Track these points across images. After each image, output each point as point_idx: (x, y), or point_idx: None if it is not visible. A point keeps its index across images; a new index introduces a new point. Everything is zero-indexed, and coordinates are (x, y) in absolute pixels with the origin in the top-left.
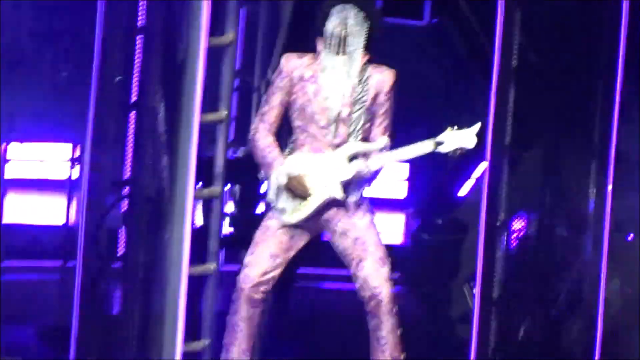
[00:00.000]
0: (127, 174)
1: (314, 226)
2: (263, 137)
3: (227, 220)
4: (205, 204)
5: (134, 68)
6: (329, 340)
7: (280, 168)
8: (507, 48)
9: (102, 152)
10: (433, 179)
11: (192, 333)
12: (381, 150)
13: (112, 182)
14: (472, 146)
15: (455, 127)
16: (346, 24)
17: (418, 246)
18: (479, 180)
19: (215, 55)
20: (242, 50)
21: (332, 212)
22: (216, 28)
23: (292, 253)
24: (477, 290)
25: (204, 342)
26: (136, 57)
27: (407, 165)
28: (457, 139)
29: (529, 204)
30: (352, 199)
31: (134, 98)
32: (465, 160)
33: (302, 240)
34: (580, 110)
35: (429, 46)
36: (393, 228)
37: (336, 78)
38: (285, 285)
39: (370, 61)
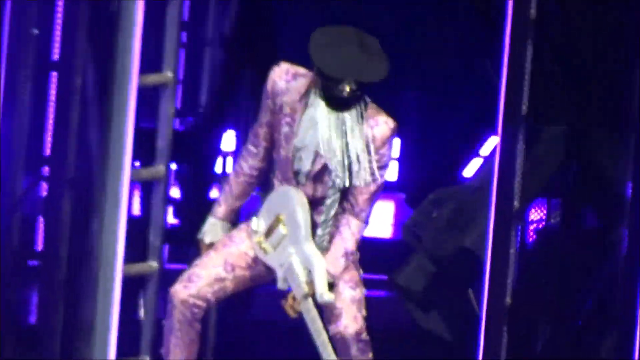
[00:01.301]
0: (47, 149)
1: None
2: (244, 158)
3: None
4: (145, 188)
5: (54, 18)
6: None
7: (210, 219)
8: None
9: (15, 122)
10: (430, 157)
11: (127, 347)
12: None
13: (27, 159)
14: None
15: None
16: (358, 78)
17: (412, 241)
18: (488, 159)
19: (156, 3)
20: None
21: None
22: None
23: (251, 276)
24: (484, 296)
25: (143, 359)
26: (58, 4)
27: (398, 140)
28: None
29: (549, 189)
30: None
31: (55, 56)
32: (471, 134)
33: (267, 272)
34: (614, 74)
35: None
36: (380, 218)
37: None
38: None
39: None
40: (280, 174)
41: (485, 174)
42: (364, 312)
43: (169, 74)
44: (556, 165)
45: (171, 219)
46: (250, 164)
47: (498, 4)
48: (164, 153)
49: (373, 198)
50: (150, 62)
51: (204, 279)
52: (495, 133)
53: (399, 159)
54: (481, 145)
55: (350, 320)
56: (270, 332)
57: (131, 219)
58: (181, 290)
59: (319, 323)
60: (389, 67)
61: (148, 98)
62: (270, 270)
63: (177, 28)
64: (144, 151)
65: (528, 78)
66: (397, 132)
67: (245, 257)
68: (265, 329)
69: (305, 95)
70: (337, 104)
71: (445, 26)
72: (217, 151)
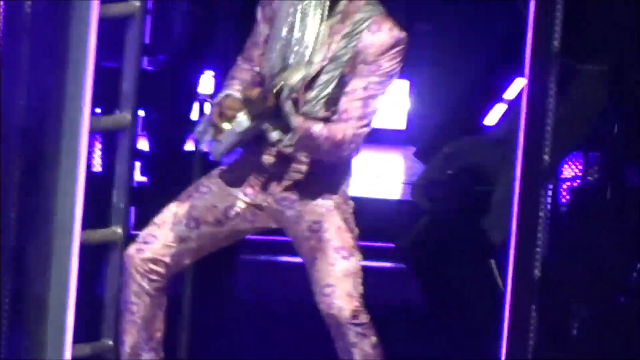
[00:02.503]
0: None
1: (263, 210)
2: (237, 71)
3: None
4: (107, 140)
5: None
6: (288, 336)
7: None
8: None
9: None
10: (444, 102)
11: (88, 329)
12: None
13: None
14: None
15: None
16: None
17: (422, 202)
18: (513, 104)
19: None
20: None
21: (285, 190)
22: None
23: (224, 234)
24: (509, 268)
25: (104, 343)
26: None
27: (407, 82)
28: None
29: (586, 141)
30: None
31: None
32: (493, 74)
33: (242, 224)
34: None
35: None
36: (386, 174)
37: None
38: (227, 257)
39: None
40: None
41: (510, 123)
42: (360, 289)
43: (135, 3)
44: (594, 112)
45: (139, 176)
46: (238, 74)
47: None
48: (129, 97)
49: (364, 104)
50: None
51: (161, 238)
52: (522, 74)
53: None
54: (505, 88)
55: (345, 300)
56: (256, 313)
57: (91, 176)
58: (134, 255)
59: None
60: None
61: (111, 32)
62: (246, 223)
63: None
64: (107, 95)
65: (561, 8)
66: (404, 42)
67: (213, 211)
68: (250, 310)
69: None
70: None
71: None
72: (193, 95)
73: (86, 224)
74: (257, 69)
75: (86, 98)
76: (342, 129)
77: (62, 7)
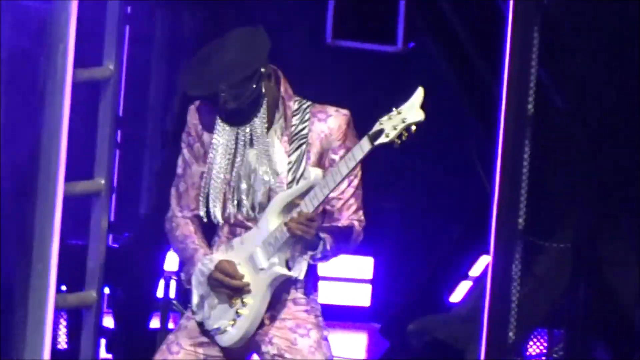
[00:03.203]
0: None
1: (241, 345)
2: (180, 226)
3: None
4: (72, 317)
5: None
6: None
7: (204, 258)
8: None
9: None
10: (407, 279)
11: None
12: (314, 184)
13: None
14: (420, 119)
15: (394, 109)
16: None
17: None
18: (479, 281)
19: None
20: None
21: (264, 317)
22: None
23: None
24: None
25: None
26: None
27: (371, 260)
28: (396, 120)
29: (551, 318)
30: (295, 273)
31: None
32: (459, 251)
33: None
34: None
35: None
36: (352, 350)
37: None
38: None
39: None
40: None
41: (476, 300)
42: None
43: (101, 181)
44: (559, 289)
45: (104, 354)
46: (187, 229)
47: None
48: (95, 275)
49: (355, 196)
50: (80, 167)
51: None
52: (487, 251)
53: (372, 281)
54: (471, 265)
55: None
56: None
57: (56, 353)
58: None
59: None
60: (267, 47)
61: (78, 209)
62: (231, 357)
63: (111, 125)
64: (72, 272)
65: (525, 185)
66: (365, 225)
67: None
68: None
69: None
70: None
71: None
72: (159, 272)
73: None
74: (196, 212)
75: (52, 275)
76: (357, 220)
77: (28, 188)
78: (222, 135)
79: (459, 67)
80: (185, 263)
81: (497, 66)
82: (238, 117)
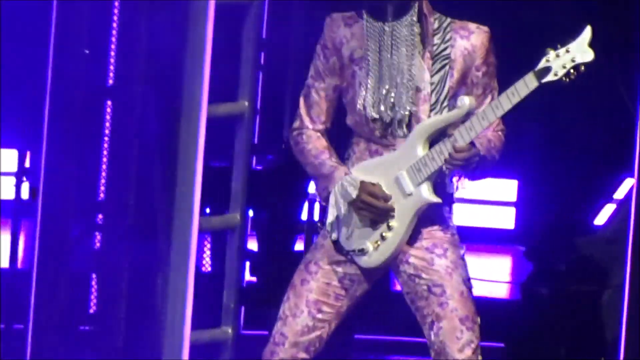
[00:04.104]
0: (101, 193)
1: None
2: (312, 139)
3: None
4: (216, 239)
5: (110, 41)
6: None
7: (346, 178)
8: None
9: (63, 160)
10: (552, 202)
11: None
12: (467, 115)
13: (78, 204)
14: (589, 59)
15: (559, 46)
16: None
17: (532, 303)
18: (623, 204)
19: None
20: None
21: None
22: None
23: (346, 305)
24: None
25: None
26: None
27: (515, 182)
28: (564, 58)
29: None
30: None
31: (109, 81)
32: (603, 174)
33: (361, 288)
34: None
35: None
36: (495, 274)
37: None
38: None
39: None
40: (364, 130)
41: (620, 222)
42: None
43: (244, 103)
44: None
45: (248, 276)
46: (318, 143)
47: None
48: (239, 197)
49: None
50: (223, 89)
51: (290, 336)
52: (632, 174)
53: (516, 204)
54: (615, 187)
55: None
56: None
57: (201, 276)
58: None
59: None
60: None
61: (221, 132)
62: (364, 284)
63: (254, 48)
64: (216, 195)
65: None
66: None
67: (329, 289)
68: None
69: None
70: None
71: None
72: (303, 195)
73: (195, 324)
74: (322, 127)
75: (196, 198)
76: (501, 130)
77: (172, 108)
78: (369, 31)
79: None
80: (320, 179)
81: None
82: (385, 12)
